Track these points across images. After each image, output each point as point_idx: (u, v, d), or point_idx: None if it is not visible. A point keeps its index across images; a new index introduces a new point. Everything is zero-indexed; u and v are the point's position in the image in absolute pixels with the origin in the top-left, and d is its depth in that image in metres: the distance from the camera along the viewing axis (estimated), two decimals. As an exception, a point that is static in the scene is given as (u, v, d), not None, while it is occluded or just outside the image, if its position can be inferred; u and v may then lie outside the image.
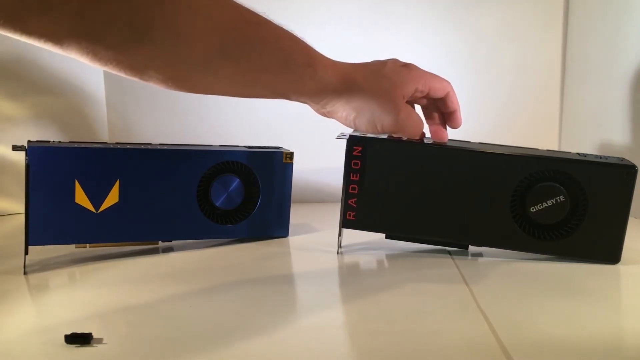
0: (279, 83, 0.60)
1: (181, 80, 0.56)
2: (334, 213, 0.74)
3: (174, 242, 0.76)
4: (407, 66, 0.65)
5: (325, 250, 0.75)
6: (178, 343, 0.47)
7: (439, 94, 0.67)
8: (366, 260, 0.72)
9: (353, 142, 0.70)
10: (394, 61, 0.65)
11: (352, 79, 0.62)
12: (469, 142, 0.74)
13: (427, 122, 0.71)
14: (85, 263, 0.69)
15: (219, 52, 0.54)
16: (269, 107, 1.11)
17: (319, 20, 1.10)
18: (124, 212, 0.70)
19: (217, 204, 0.76)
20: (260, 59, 0.57)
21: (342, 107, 0.63)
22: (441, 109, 0.70)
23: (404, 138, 0.71)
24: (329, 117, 0.66)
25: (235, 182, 0.77)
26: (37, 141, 0.69)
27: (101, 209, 0.69)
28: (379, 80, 0.62)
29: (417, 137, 0.68)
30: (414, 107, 0.71)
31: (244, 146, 0.80)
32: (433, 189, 0.70)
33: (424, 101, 0.69)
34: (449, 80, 0.68)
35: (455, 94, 0.68)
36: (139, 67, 0.53)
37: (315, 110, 0.66)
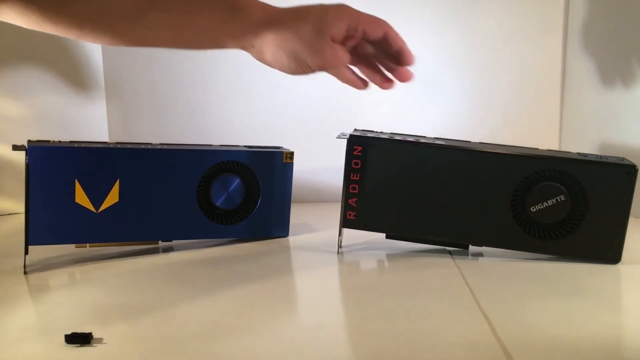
0: (211, 27, 0.60)
1: (116, 34, 0.58)
2: (334, 213, 0.74)
3: (174, 242, 0.76)
4: (338, 5, 0.64)
5: (325, 250, 0.75)
6: (178, 343, 0.47)
7: (376, 33, 0.64)
8: (366, 260, 0.72)
9: (353, 142, 0.70)
10: (324, 4, 0.64)
11: (281, 17, 0.62)
12: (469, 142, 0.74)
13: (388, 71, 0.68)
14: (85, 263, 0.69)
15: (148, 3, 0.56)
16: (269, 107, 1.11)
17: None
18: (124, 212, 0.70)
19: (217, 204, 0.76)
20: (189, 6, 0.58)
21: (272, 46, 0.62)
22: (390, 52, 0.66)
23: (398, 137, 0.71)
24: (266, 62, 0.65)
25: (236, 182, 0.77)
26: (37, 141, 0.69)
27: (101, 208, 0.69)
28: (306, 19, 0.62)
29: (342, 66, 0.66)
30: (364, 64, 0.68)
31: (244, 146, 0.80)
32: (433, 189, 0.70)
33: (370, 48, 0.67)
34: (386, 21, 0.64)
35: (395, 31, 0.65)
36: (73, 25, 0.55)
37: (254, 57, 0.65)
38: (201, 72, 1.10)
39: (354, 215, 0.71)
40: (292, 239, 0.81)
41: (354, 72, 0.68)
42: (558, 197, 0.68)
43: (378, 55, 0.68)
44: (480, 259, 0.71)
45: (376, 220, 0.71)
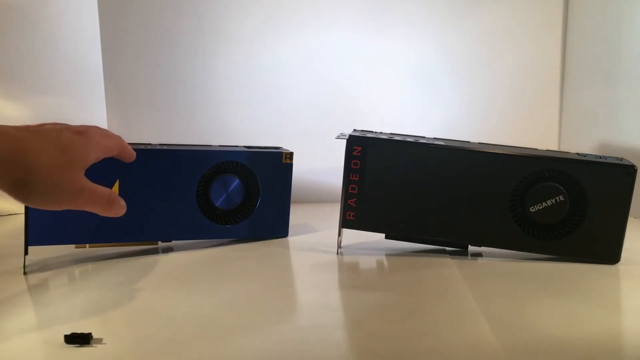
0: None
1: None
2: (334, 213, 0.74)
3: (174, 242, 0.76)
4: (82, 134, 0.55)
5: (325, 250, 0.75)
6: (178, 343, 0.47)
7: (114, 152, 0.61)
8: (366, 260, 0.72)
9: (353, 142, 0.70)
10: (68, 128, 0.55)
11: (24, 149, 0.50)
12: (468, 142, 0.74)
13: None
14: (85, 263, 0.69)
15: None
16: (269, 107, 1.11)
17: (321, 25, 1.09)
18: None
19: (217, 204, 0.76)
20: None
21: (12, 185, 0.50)
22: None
23: (398, 138, 0.71)
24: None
25: (235, 183, 0.77)
26: (37, 141, 0.69)
27: (101, 209, 0.69)
28: (56, 155, 0.52)
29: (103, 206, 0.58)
30: None
31: (244, 146, 0.80)
32: (433, 189, 0.70)
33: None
34: (119, 136, 0.62)
35: (126, 146, 0.63)
36: None
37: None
38: (201, 73, 1.10)
39: (353, 216, 0.71)
40: (292, 239, 0.81)
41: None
42: (557, 198, 0.68)
43: None
44: (480, 259, 0.71)
45: (375, 221, 0.71)
